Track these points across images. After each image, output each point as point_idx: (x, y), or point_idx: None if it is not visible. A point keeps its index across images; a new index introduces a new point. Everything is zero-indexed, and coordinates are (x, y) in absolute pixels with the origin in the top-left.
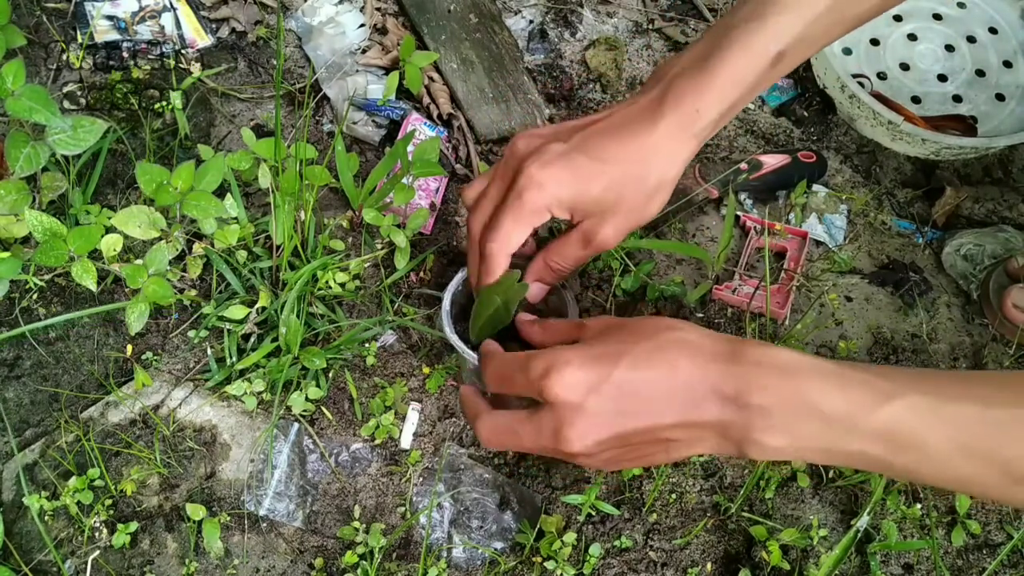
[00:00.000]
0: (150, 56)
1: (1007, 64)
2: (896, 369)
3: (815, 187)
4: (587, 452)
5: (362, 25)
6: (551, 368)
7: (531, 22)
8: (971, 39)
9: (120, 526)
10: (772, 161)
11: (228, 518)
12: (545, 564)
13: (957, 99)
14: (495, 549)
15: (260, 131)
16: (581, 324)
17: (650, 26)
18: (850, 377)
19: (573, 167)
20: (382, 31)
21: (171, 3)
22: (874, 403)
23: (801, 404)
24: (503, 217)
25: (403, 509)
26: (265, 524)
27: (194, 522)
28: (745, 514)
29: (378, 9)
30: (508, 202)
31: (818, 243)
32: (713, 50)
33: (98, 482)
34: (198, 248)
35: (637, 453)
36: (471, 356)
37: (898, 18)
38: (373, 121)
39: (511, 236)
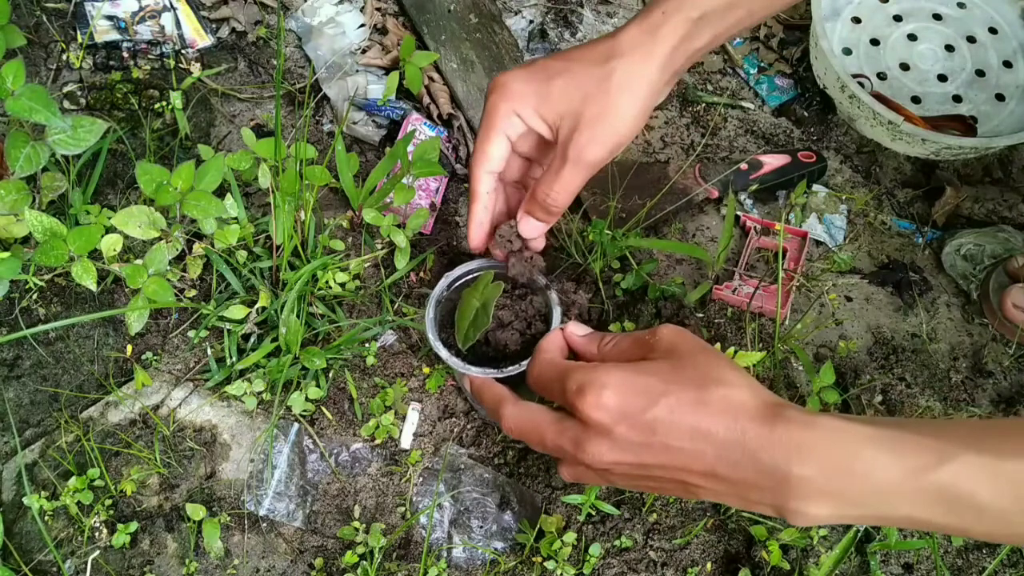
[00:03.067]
0: (150, 56)
1: (1007, 64)
2: (944, 425)
3: (815, 187)
4: (603, 467)
5: (362, 25)
6: (587, 388)
7: (531, 22)
8: (971, 39)
9: (120, 526)
10: (772, 161)
11: (228, 518)
12: (545, 564)
13: (957, 99)
14: (495, 549)
15: (260, 131)
16: (647, 343)
17: None
18: (899, 439)
19: (536, 68)
20: (382, 31)
21: (171, 3)
22: (927, 466)
23: (847, 472)
24: (479, 137)
25: (403, 509)
26: (265, 524)
27: (194, 522)
28: (745, 514)
29: (378, 9)
30: (482, 121)
31: (818, 243)
32: None
33: (98, 482)
34: (198, 248)
35: (654, 484)
36: (457, 364)
37: (898, 18)
38: (373, 121)
39: (488, 150)
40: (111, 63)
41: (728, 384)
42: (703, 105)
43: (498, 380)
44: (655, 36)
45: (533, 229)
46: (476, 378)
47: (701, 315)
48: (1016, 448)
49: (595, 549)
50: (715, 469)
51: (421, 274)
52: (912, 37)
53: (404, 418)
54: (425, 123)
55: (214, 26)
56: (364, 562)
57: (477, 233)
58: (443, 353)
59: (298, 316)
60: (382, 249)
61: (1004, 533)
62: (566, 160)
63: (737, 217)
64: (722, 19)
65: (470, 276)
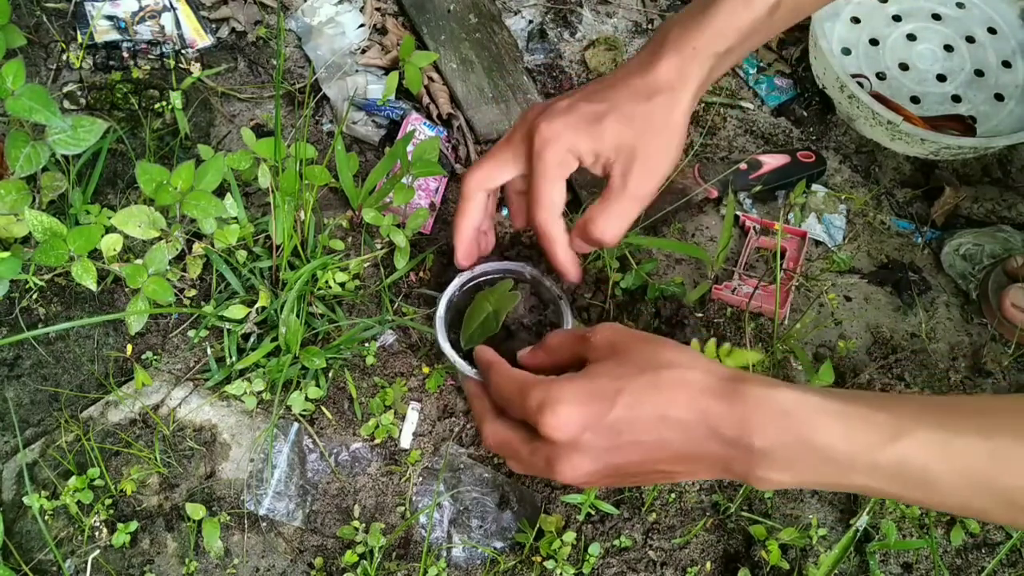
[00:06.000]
0: (150, 56)
1: (1006, 64)
2: (900, 400)
3: (814, 187)
4: (580, 482)
5: (362, 25)
6: (545, 405)
7: (531, 22)
8: (970, 39)
9: (120, 526)
10: (772, 161)
11: (228, 518)
12: (545, 563)
13: (956, 99)
14: (495, 548)
15: (260, 131)
16: (584, 337)
17: (650, 26)
18: (853, 415)
19: (581, 114)
20: (382, 31)
21: (171, 3)
22: (880, 442)
23: (803, 445)
24: (538, 186)
25: (403, 509)
26: (265, 524)
27: (194, 522)
28: (744, 513)
29: (378, 9)
30: (535, 169)
31: (817, 243)
32: (711, 0)
33: (98, 482)
34: (198, 248)
35: (636, 480)
36: (462, 366)
37: (897, 18)
38: (373, 121)
39: (553, 200)
40: (111, 63)
41: (678, 366)
42: (702, 104)
43: None
44: (687, 73)
45: (575, 267)
46: (470, 388)
47: (700, 315)
48: (966, 424)
49: (594, 548)
50: (685, 452)
51: (421, 274)
52: (911, 37)
53: (404, 418)
54: (425, 123)
55: (214, 26)
56: (364, 561)
57: (574, 271)
58: (452, 355)
59: (298, 316)
60: (382, 249)
61: (956, 505)
62: (625, 195)
63: (736, 217)
64: (741, 48)
65: (484, 278)
